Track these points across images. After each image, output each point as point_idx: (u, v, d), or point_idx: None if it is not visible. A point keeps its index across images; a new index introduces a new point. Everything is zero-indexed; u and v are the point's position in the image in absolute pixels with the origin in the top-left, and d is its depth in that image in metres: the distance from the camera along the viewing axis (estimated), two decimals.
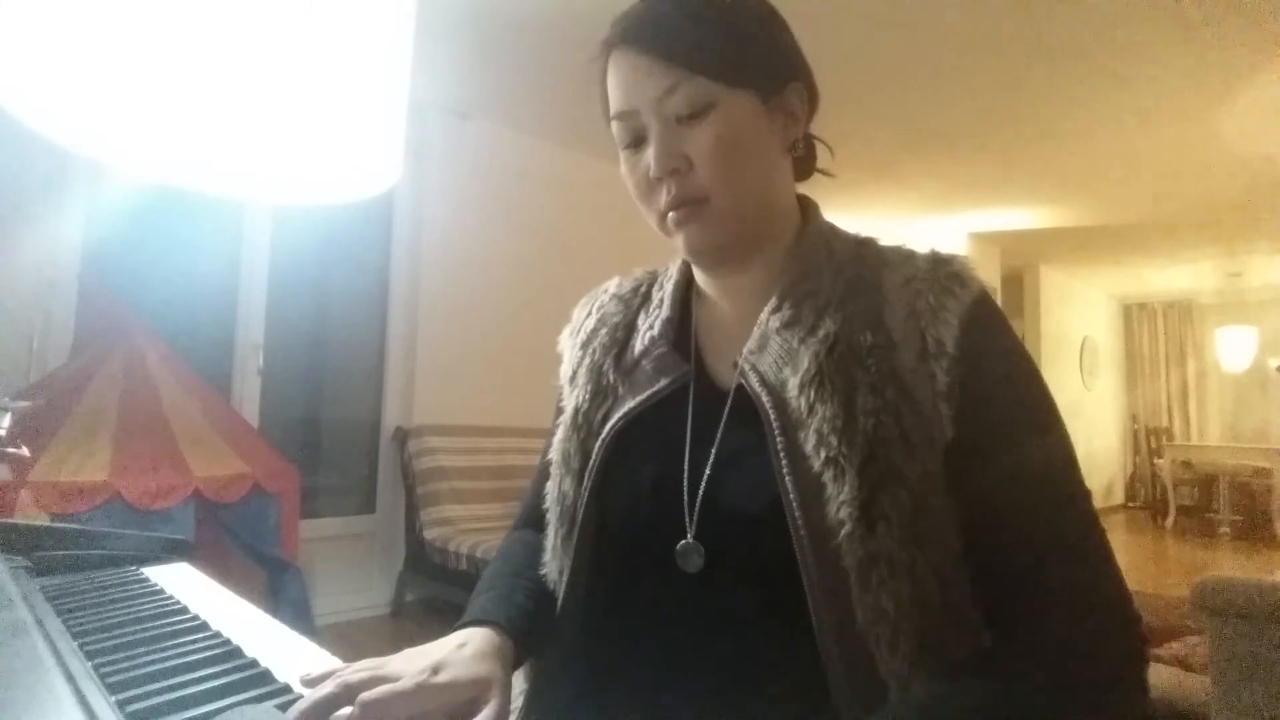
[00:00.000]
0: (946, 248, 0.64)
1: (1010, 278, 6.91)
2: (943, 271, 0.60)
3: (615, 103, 0.63)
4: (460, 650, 0.57)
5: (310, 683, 0.52)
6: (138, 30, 0.63)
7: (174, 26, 0.64)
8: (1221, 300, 8.07)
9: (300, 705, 0.46)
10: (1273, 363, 7.13)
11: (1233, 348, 7.57)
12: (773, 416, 0.58)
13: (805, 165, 0.70)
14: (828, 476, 0.54)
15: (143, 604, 0.69)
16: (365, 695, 0.48)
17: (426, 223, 3.51)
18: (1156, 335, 8.55)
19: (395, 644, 0.57)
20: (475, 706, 0.53)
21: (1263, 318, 7.70)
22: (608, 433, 0.66)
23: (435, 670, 0.53)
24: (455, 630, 0.61)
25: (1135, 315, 8.73)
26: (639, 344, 0.71)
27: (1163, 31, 2.80)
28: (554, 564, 0.69)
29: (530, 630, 0.64)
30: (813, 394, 0.57)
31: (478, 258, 3.66)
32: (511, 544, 0.78)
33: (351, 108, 0.76)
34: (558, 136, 3.92)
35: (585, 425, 0.69)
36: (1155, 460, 7.20)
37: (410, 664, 0.54)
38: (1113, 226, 5.59)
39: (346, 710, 0.47)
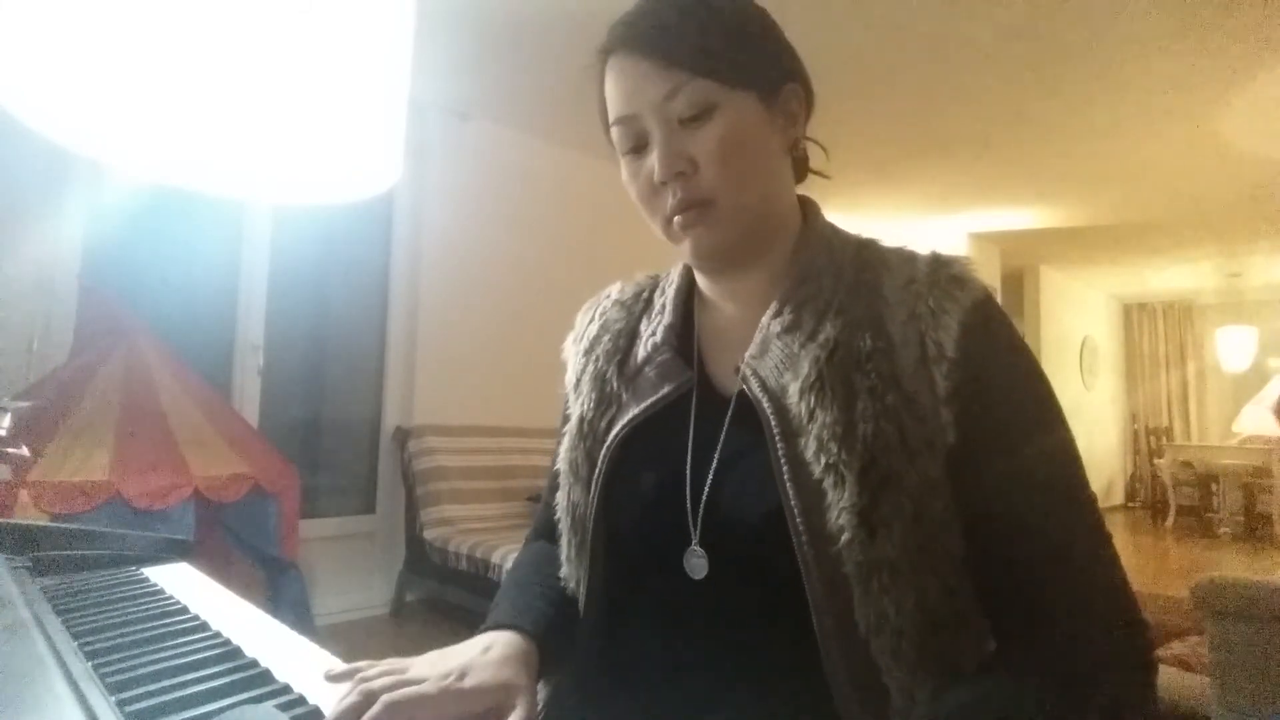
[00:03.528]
0: (947, 248, 0.63)
1: (1010, 278, 6.91)
2: (943, 274, 0.59)
3: (615, 108, 0.62)
4: (485, 655, 0.56)
5: (334, 679, 0.52)
6: (137, 30, 0.63)
7: (174, 27, 0.64)
8: (1221, 300, 8.07)
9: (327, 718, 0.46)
10: (1273, 362, 7.13)
11: (1233, 348, 7.57)
12: (773, 422, 0.58)
13: (800, 168, 0.70)
14: (828, 483, 0.54)
15: (143, 604, 0.69)
16: (389, 697, 0.48)
17: (426, 223, 3.51)
18: (1156, 335, 8.55)
19: (395, 644, 0.57)
20: (500, 713, 0.52)
21: (1263, 318, 7.70)
22: (612, 440, 0.66)
23: (460, 675, 0.53)
24: (478, 635, 0.61)
25: (1135, 315, 8.73)
26: (642, 350, 0.70)
27: (1163, 32, 2.80)
28: (571, 573, 0.69)
29: (553, 636, 0.63)
30: (813, 400, 0.57)
31: (478, 258, 3.66)
32: (528, 554, 0.78)
33: (351, 108, 0.76)
34: (558, 136, 3.92)
35: (591, 433, 0.68)
36: (1155, 460, 7.20)
37: (434, 667, 0.53)
38: (1113, 226, 5.59)
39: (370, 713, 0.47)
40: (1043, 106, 3.48)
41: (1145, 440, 7.67)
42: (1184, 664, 1.73)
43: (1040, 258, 6.82)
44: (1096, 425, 7.84)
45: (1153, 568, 4.88)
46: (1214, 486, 6.57)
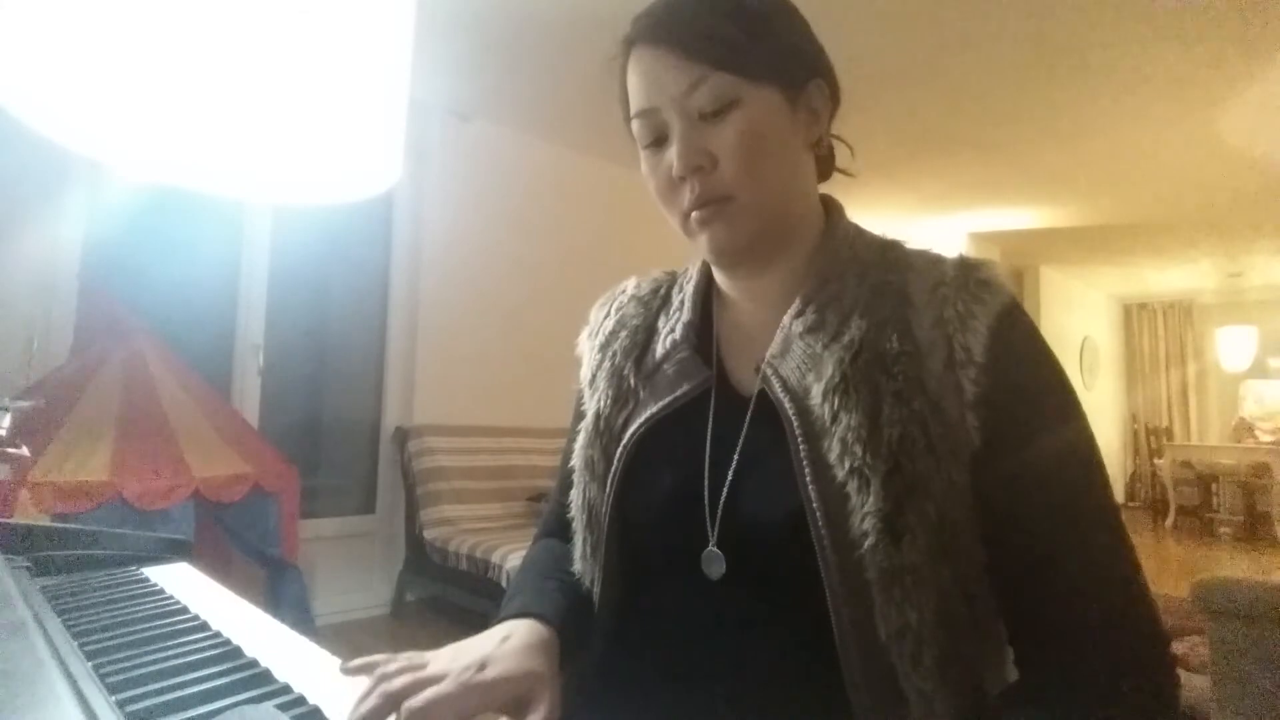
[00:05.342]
0: (947, 248, 0.63)
1: (1010, 278, 6.91)
2: (971, 278, 0.58)
3: (636, 100, 0.62)
4: (505, 644, 0.56)
5: (350, 671, 0.52)
6: (137, 31, 0.63)
7: (173, 27, 0.64)
8: (1221, 300, 8.07)
9: None
10: (1273, 362, 7.13)
11: (1233, 348, 7.56)
12: (795, 424, 0.57)
13: (825, 166, 0.69)
14: (852, 487, 0.53)
15: (143, 604, 0.69)
16: (410, 703, 0.47)
17: (426, 223, 3.50)
18: (1156, 335, 8.55)
19: (395, 644, 0.57)
20: (523, 703, 0.52)
21: (1263, 318, 7.70)
22: (629, 438, 0.65)
23: (481, 666, 0.52)
24: (495, 625, 0.60)
25: (1135, 315, 8.73)
26: (660, 347, 0.69)
27: (1163, 31, 2.80)
28: (585, 571, 0.68)
29: (570, 624, 0.63)
30: (837, 402, 0.56)
31: (478, 258, 3.66)
32: (538, 550, 0.77)
33: (351, 108, 0.76)
34: (558, 136, 3.91)
35: (607, 430, 0.68)
36: (1155, 460, 7.20)
37: (453, 662, 0.53)
38: (1113, 226, 5.59)
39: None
40: (1043, 106, 3.48)
41: (1145, 440, 7.67)
42: (1184, 664, 1.73)
43: (1040, 258, 6.82)
44: (1097, 425, 7.69)
45: (1153, 568, 4.87)
46: (1214, 486, 6.56)
